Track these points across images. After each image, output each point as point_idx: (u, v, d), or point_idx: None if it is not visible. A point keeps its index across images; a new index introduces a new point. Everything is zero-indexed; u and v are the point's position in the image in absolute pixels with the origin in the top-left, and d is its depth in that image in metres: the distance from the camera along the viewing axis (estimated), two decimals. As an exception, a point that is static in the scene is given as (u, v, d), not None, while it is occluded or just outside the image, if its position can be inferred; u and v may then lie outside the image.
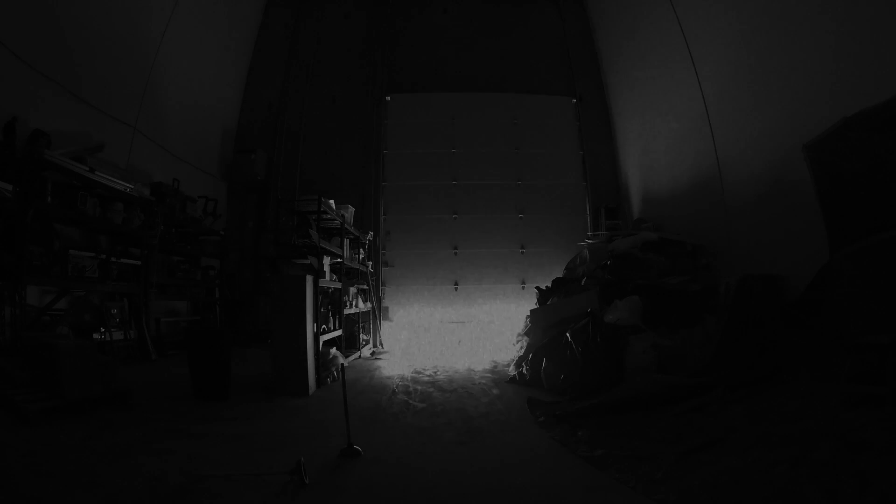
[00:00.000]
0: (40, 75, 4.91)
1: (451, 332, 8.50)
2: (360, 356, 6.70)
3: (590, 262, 6.74)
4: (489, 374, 5.44)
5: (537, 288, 7.22)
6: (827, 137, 3.95)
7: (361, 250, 7.62)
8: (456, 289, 8.66)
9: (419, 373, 5.54)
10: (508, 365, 5.59)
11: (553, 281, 7.06)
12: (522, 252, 8.76)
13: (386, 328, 8.45)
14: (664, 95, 7.18)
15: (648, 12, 7.21)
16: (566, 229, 8.71)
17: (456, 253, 8.71)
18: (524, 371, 4.86)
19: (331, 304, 5.92)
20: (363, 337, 7.43)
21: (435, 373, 5.53)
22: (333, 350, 5.12)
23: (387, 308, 8.60)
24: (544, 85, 9.25)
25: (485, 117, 9.09)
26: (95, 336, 5.08)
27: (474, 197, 8.84)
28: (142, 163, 6.42)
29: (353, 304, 6.83)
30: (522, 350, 5.60)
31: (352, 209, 7.06)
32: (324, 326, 5.28)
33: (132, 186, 5.67)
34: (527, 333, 6.29)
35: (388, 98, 9.14)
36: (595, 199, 8.95)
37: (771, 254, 5.07)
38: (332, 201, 6.05)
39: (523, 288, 8.62)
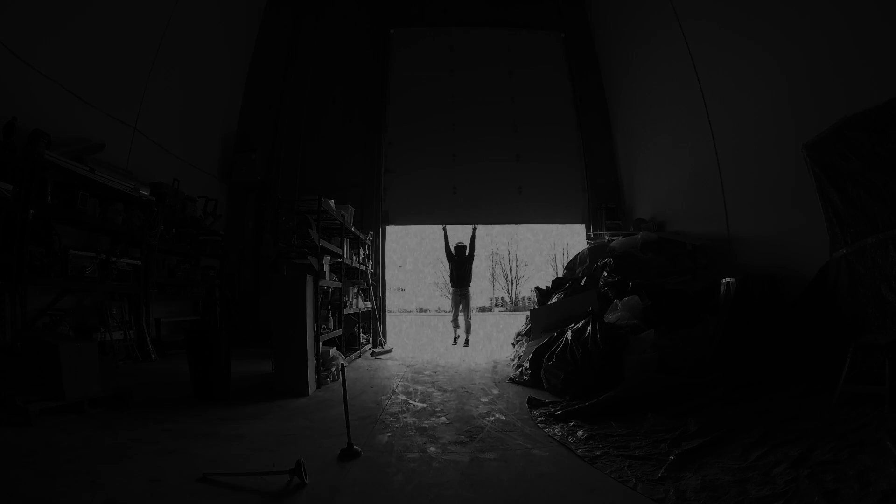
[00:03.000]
0: (40, 75, 4.91)
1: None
2: (360, 356, 6.70)
3: (590, 262, 6.75)
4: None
5: (537, 288, 7.22)
6: (827, 137, 3.95)
7: (361, 250, 7.62)
8: (455, 192, 9.05)
9: (419, 372, 5.53)
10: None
11: (553, 281, 7.08)
12: (518, 159, 9.20)
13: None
14: (663, 94, 7.19)
15: (649, 13, 7.22)
16: (558, 141, 9.31)
17: (454, 157, 9.16)
18: (524, 371, 4.86)
19: (331, 304, 5.92)
20: (363, 336, 7.43)
21: (435, 371, 5.53)
22: (333, 350, 5.12)
23: (386, 212, 8.97)
24: (536, 22, 9.84)
25: (481, 48, 9.67)
26: (95, 336, 5.08)
27: (472, 112, 9.37)
28: (142, 163, 6.42)
29: (353, 303, 6.83)
30: (522, 350, 5.60)
31: (352, 209, 7.06)
32: (324, 326, 5.28)
33: (132, 186, 5.67)
34: (527, 333, 6.30)
35: (391, 31, 9.66)
36: (595, 198, 8.97)
37: (771, 254, 5.07)
38: (332, 201, 6.05)
39: (520, 192, 9.07)
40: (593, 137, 9.24)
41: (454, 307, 8.67)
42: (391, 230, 9.44)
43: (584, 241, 8.53)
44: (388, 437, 3.05)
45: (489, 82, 9.49)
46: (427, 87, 9.50)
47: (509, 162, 9.20)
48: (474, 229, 8.73)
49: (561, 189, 9.13)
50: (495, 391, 4.45)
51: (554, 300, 6.29)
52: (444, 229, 8.77)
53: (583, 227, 9.16)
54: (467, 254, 8.60)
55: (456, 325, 8.60)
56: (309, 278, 4.54)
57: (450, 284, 8.87)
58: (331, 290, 5.93)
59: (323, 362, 4.74)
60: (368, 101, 9.30)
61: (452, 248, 8.67)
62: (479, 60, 9.59)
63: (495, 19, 9.70)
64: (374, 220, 8.85)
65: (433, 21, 9.74)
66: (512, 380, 4.92)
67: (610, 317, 4.91)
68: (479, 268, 8.99)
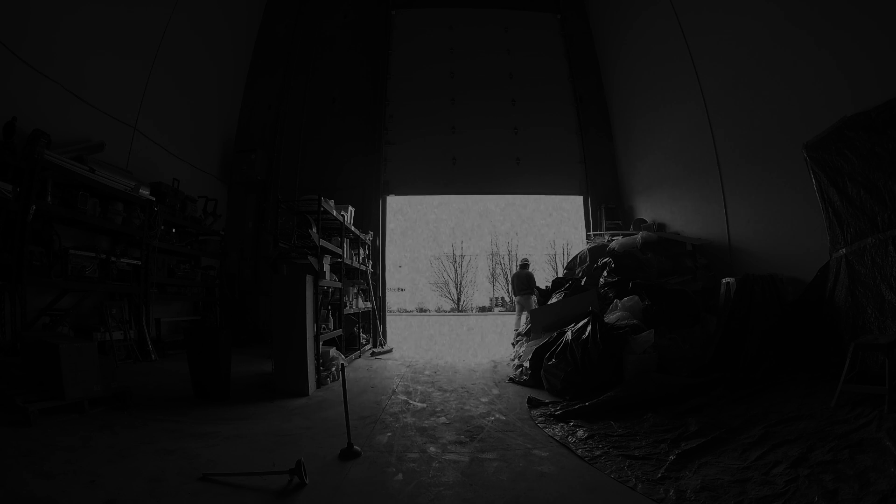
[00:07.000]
0: (40, 75, 4.91)
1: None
2: (360, 356, 6.70)
3: (590, 262, 6.74)
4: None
5: (537, 288, 7.23)
6: (827, 137, 3.95)
7: (361, 250, 7.62)
8: (454, 163, 9.15)
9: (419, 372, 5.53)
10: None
11: (553, 281, 7.08)
12: (516, 132, 9.33)
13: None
14: (663, 95, 7.18)
15: (648, 10, 7.22)
16: (553, 112, 9.47)
17: (454, 129, 9.31)
18: (524, 371, 4.86)
19: (331, 304, 5.92)
20: (363, 336, 7.42)
21: (435, 371, 5.53)
22: (333, 350, 5.12)
23: (387, 182, 9.04)
24: (533, 5, 10.02)
25: (479, 27, 9.89)
26: (95, 336, 5.08)
27: (471, 86, 9.47)
28: (142, 163, 6.42)
29: (353, 303, 6.83)
30: (522, 350, 5.60)
31: (352, 209, 7.06)
32: (324, 326, 5.27)
33: (132, 186, 5.67)
34: (527, 333, 6.30)
35: (392, 12, 9.82)
36: (595, 198, 8.97)
37: (771, 253, 5.07)
38: (332, 201, 6.05)
39: (518, 164, 9.18)
40: (591, 101, 9.41)
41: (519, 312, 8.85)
42: (392, 234, 9.50)
43: (584, 241, 8.53)
44: (389, 437, 3.05)
45: (487, 59, 9.60)
46: (427, 63, 9.60)
47: (508, 133, 9.31)
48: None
49: (558, 160, 9.22)
50: (495, 391, 4.45)
51: (554, 300, 6.29)
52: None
53: (582, 220, 9.24)
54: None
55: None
56: (309, 278, 4.54)
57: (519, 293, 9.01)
58: (331, 290, 5.92)
59: (323, 362, 4.74)
60: (370, 83, 9.36)
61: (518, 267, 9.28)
62: (478, 38, 9.73)
63: (493, 1, 9.88)
64: (375, 189, 8.91)
65: (433, 2, 9.91)
66: (512, 380, 4.92)
67: (610, 317, 4.91)
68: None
